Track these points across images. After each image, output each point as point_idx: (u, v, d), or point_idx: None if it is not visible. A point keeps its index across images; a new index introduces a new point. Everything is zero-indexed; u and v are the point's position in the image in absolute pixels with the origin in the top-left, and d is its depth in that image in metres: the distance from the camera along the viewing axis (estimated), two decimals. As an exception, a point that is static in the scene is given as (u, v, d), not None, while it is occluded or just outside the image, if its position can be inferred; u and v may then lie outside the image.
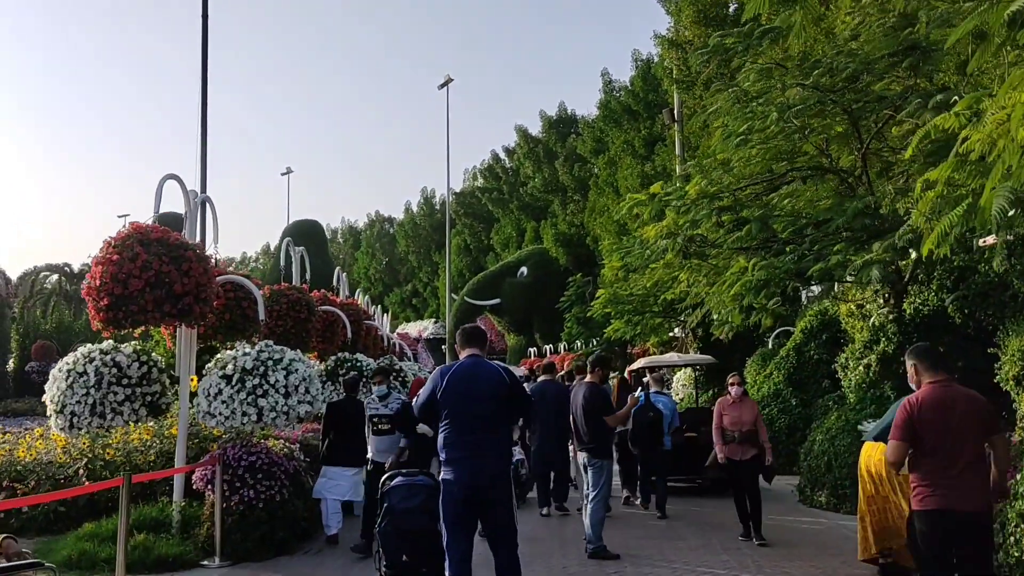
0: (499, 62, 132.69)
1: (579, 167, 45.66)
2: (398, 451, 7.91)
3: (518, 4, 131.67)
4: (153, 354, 8.36)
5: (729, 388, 8.77)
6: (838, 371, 12.47)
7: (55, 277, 46.20)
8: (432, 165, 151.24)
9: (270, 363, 7.67)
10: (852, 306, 13.58)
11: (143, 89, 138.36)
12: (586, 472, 7.34)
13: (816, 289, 16.40)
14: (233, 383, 7.53)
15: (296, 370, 7.70)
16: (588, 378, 7.46)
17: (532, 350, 43.51)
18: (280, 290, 10.76)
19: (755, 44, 9.57)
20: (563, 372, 17.71)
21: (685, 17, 29.03)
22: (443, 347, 51.12)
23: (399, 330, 61.39)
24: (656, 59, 36.52)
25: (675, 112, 30.95)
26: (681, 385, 21.62)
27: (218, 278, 8.08)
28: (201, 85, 13.42)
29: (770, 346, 16.86)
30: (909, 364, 4.92)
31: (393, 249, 71.48)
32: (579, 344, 31.97)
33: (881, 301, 12.81)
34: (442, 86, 54.49)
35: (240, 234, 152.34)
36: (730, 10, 28.89)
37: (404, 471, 5.76)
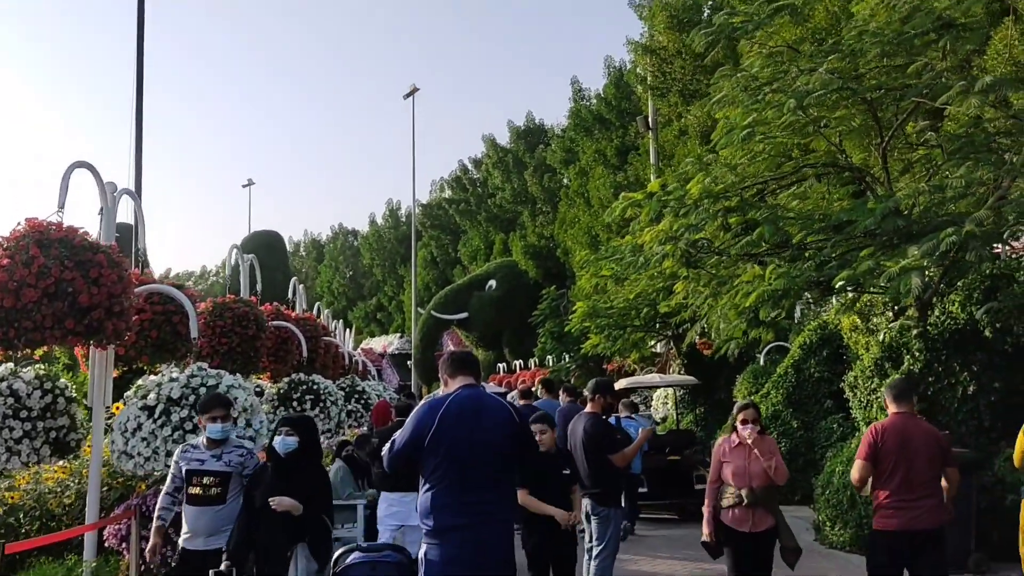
0: (466, 72, 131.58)
1: (548, 178, 44.60)
2: (237, 526, 5.03)
3: (484, 13, 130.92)
4: (61, 380, 6.93)
5: (739, 427, 5.80)
6: (845, 391, 11.38)
7: None
8: (398, 176, 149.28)
9: (202, 391, 6.32)
10: (856, 320, 12.53)
11: (82, 95, 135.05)
12: (589, 522, 6.08)
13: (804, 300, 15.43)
14: (156, 416, 6.17)
15: (235, 399, 6.35)
16: (588, 407, 6.20)
17: (501, 365, 42.21)
18: (224, 303, 9.38)
19: (766, 23, 8.45)
20: (515, 391, 16.37)
21: (658, 23, 28.22)
22: (408, 363, 49.67)
23: (363, 345, 59.75)
24: (629, 66, 35.65)
25: (649, 119, 30.00)
26: (661, 403, 20.49)
27: (141, 288, 6.73)
28: (136, 82, 12.03)
29: (761, 363, 15.77)
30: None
31: (357, 262, 69.84)
32: (551, 360, 30.75)
33: (890, 314, 11.78)
34: (408, 96, 53.20)
35: (201, 248, 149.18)
36: (704, 15, 28.17)
37: (364, 544, 4.42)
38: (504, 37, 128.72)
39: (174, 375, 6.39)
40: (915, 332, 9.17)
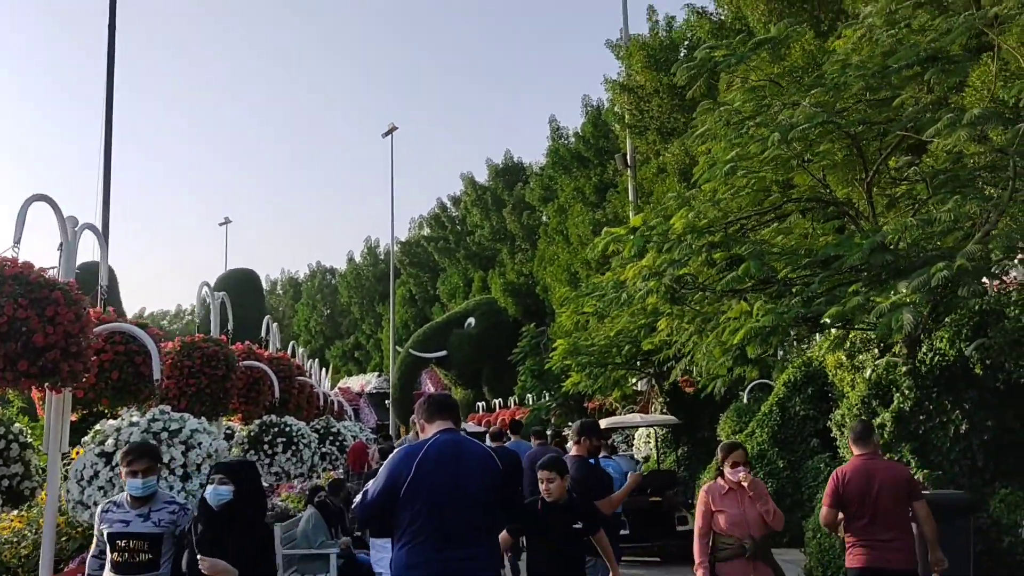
0: (445, 110, 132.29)
1: (527, 215, 44.61)
2: None
3: (463, 51, 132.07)
4: (16, 425, 6.55)
5: (726, 471, 5.44)
6: (832, 429, 11.16)
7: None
8: (377, 214, 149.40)
9: (164, 435, 5.96)
10: (841, 357, 12.36)
11: (51, 133, 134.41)
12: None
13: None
14: (113, 464, 5.80)
15: (199, 444, 6.00)
16: (573, 450, 5.92)
17: (481, 404, 41.77)
18: (193, 342, 9.03)
19: (748, 57, 8.35)
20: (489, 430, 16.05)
21: (636, 62, 28.45)
22: (387, 402, 49.08)
23: (341, 384, 59.08)
24: (606, 104, 35.87)
25: (627, 157, 30.11)
26: (644, 442, 20.18)
27: (101, 327, 6.39)
28: (105, 119, 11.76)
29: (745, 401, 15.55)
30: None
31: (335, 301, 69.37)
32: (531, 398, 30.39)
33: (876, 352, 11.61)
34: (386, 134, 53.37)
35: (177, 287, 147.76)
36: (681, 54, 28.44)
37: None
38: (483, 76, 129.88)
39: (134, 419, 6.04)
40: (904, 369, 8.98)
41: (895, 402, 8.97)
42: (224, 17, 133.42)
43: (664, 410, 17.07)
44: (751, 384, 15.49)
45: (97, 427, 6.22)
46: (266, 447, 9.51)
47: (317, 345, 68.11)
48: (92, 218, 11.32)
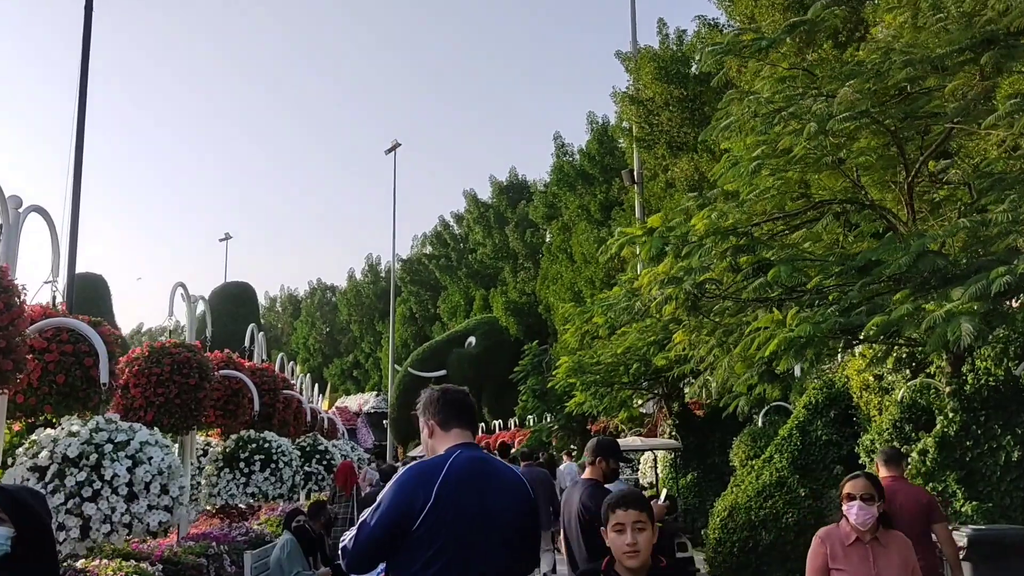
0: (448, 127, 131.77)
1: (531, 233, 43.88)
2: None
3: (467, 68, 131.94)
4: (-58, 434, 5.70)
5: (846, 508, 3.98)
6: (860, 455, 10.29)
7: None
8: (378, 231, 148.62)
9: (108, 448, 5.11)
10: (868, 378, 11.51)
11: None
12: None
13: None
14: (48, 479, 4.95)
15: (148, 459, 5.14)
16: (587, 472, 5.05)
17: (480, 426, 40.80)
18: (163, 347, 8.21)
19: (780, 40, 7.57)
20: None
21: (645, 74, 27.82)
22: (384, 422, 48.13)
23: (338, 403, 58.13)
24: (614, 120, 35.24)
25: (635, 172, 29.37)
26: (649, 467, 19.24)
27: (42, 322, 5.56)
28: (77, 120, 11.04)
29: (760, 424, 14.64)
30: None
31: (334, 318, 68.49)
32: (532, 420, 29.46)
33: (907, 372, 10.77)
34: (389, 151, 52.84)
35: (177, 304, 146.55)
36: (692, 68, 27.86)
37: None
38: (488, 92, 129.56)
39: (74, 428, 5.19)
40: (949, 389, 8.12)
41: (938, 425, 8.11)
42: (227, 33, 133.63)
43: (673, 432, 16.17)
44: (767, 407, 14.60)
45: (33, 437, 5.37)
46: (242, 464, 8.63)
47: (316, 363, 67.25)
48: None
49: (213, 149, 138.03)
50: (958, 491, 7.77)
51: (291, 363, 14.67)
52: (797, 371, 14.58)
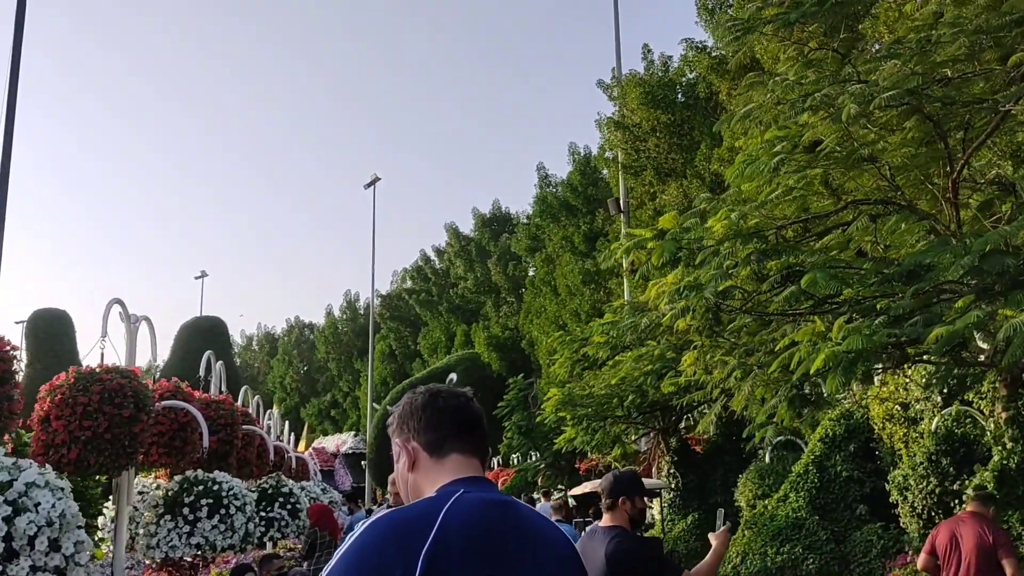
0: (429, 160, 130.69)
1: (513, 266, 42.89)
2: None
3: (448, 101, 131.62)
4: None
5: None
6: (891, 493, 9.19)
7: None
8: (357, 267, 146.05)
9: (-19, 493, 3.91)
10: (892, 407, 10.45)
11: None
12: None
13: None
14: None
15: (35, 505, 3.94)
16: (606, 519, 3.88)
17: (462, 466, 39.28)
18: (92, 373, 7.01)
19: (810, 15, 6.58)
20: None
21: (631, 99, 27.14)
22: (363, 463, 46.56)
23: (315, 444, 56.44)
24: (596, 150, 34.49)
25: (620, 201, 28.51)
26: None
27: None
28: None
29: (767, 460, 13.50)
30: None
31: (312, 356, 66.90)
32: (516, 459, 28.12)
33: (938, 398, 9.73)
34: (369, 185, 51.94)
35: (147, 343, 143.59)
36: (679, 96, 27.24)
37: None
38: (469, 124, 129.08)
39: (-65, 468, 3.99)
40: (1005, 416, 7.04)
41: (996, 457, 7.02)
42: (196, 69, 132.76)
43: (671, 470, 14.99)
44: (775, 442, 13.46)
45: None
46: (185, 511, 7.36)
47: (292, 403, 65.61)
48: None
49: (188, 185, 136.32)
50: (1023, 532, 6.68)
51: (255, 398, 13.42)
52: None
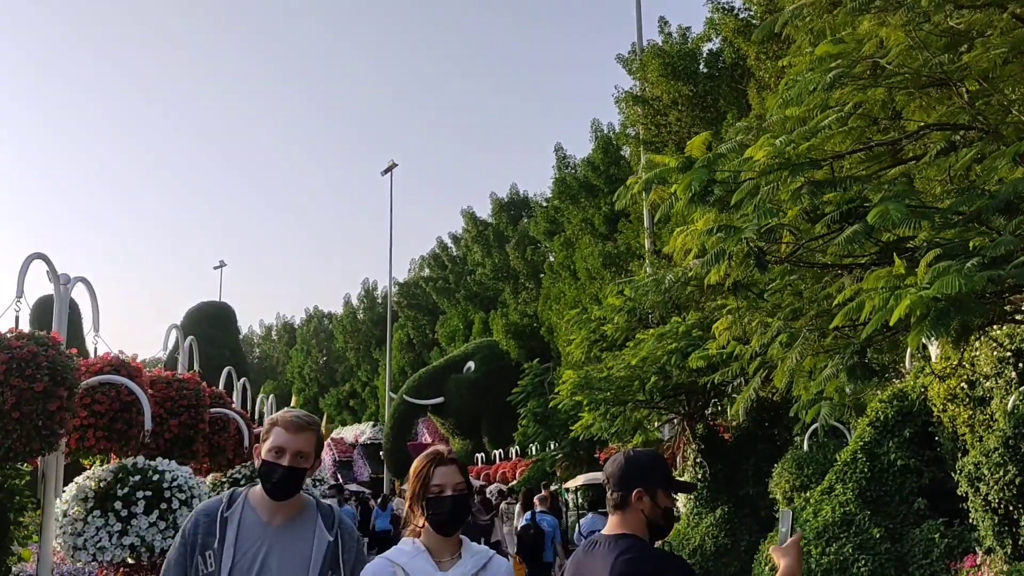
0: (446, 145, 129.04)
1: (531, 251, 41.58)
2: None
3: (464, 84, 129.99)
4: None
5: None
6: (960, 484, 7.81)
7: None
8: (375, 256, 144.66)
9: None
10: (956, 385, 9.07)
11: None
12: None
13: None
14: None
15: None
16: (613, 523, 2.55)
17: (479, 456, 38.15)
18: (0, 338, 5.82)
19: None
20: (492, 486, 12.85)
21: (651, 72, 25.76)
22: (380, 453, 45.61)
23: (334, 434, 55.68)
24: (618, 128, 33.06)
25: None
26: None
27: None
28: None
29: (805, 447, 12.10)
30: None
31: (331, 346, 66.09)
32: (533, 448, 26.86)
33: (1013, 373, 8.36)
34: (385, 172, 50.90)
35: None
36: (700, 66, 25.85)
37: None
38: (485, 107, 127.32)
39: None
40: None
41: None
42: (215, 58, 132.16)
43: (698, 459, 13.66)
44: (811, 427, 12.07)
45: None
46: (118, 505, 6.12)
47: (311, 393, 64.98)
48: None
49: (205, 175, 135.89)
50: None
51: (242, 380, 12.24)
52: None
